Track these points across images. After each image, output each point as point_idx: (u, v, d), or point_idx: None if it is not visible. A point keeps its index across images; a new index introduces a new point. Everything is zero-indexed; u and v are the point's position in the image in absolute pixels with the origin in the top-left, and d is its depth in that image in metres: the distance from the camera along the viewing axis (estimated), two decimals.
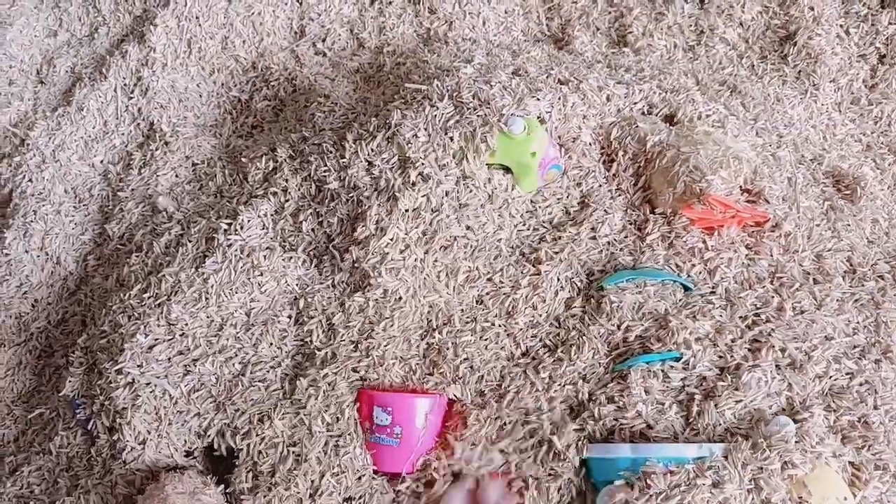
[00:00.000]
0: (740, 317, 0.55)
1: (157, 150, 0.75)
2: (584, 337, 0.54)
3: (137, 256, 0.65)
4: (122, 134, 0.78)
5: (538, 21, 0.82)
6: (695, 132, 0.62)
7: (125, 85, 0.79)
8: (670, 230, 0.58)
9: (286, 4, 0.82)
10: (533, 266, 0.58)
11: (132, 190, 0.73)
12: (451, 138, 0.57)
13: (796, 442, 0.47)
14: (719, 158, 0.57)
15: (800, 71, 0.76)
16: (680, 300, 0.56)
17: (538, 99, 0.59)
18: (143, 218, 0.70)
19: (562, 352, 0.54)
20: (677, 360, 0.53)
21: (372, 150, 0.59)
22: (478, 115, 0.57)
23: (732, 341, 0.54)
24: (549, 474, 0.49)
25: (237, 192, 0.68)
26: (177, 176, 0.73)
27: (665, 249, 0.58)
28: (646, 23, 0.79)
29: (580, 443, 0.50)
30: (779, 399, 0.52)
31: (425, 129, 0.58)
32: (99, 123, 0.78)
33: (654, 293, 0.55)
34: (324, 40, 0.82)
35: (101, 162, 0.77)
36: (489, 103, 0.57)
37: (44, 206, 0.73)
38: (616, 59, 0.75)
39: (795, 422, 0.49)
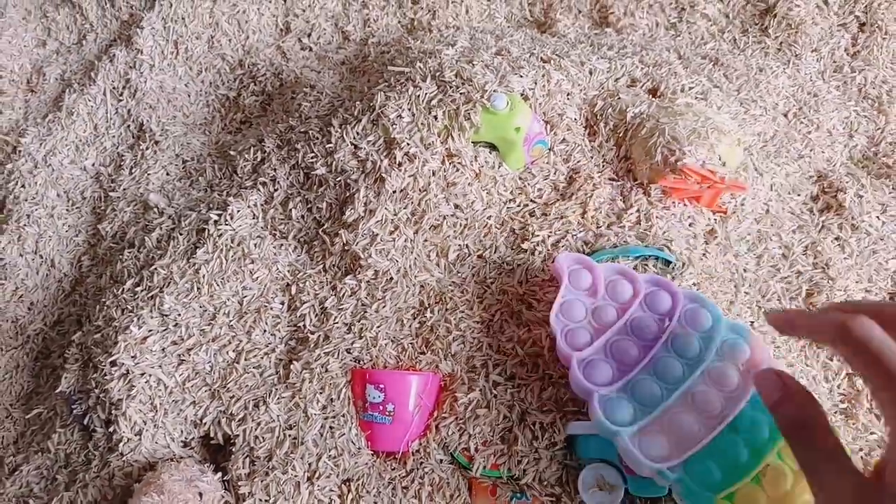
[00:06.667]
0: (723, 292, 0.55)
1: (147, 149, 0.75)
2: None
3: (130, 252, 0.65)
4: (113, 136, 0.78)
5: (521, 7, 0.83)
6: (675, 104, 0.62)
7: (114, 88, 0.80)
8: (649, 202, 0.58)
9: (270, 2, 0.83)
10: (523, 242, 0.58)
11: (124, 190, 0.74)
12: (436, 117, 0.57)
13: None
14: (698, 129, 0.57)
15: (781, 42, 0.77)
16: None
17: (521, 76, 0.59)
18: (135, 216, 0.71)
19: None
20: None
21: (357, 133, 0.59)
22: (461, 93, 0.57)
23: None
24: (535, 458, 0.48)
25: (227, 185, 0.68)
26: (167, 174, 0.74)
27: (645, 222, 0.57)
28: (627, 2, 0.79)
29: (563, 419, 0.49)
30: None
31: (409, 110, 0.58)
32: (89, 127, 0.79)
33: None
34: (309, 35, 0.82)
35: (93, 165, 0.77)
36: (472, 81, 0.57)
37: (37, 210, 0.73)
38: (599, 39, 0.75)
39: None
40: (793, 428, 0.30)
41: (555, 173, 0.61)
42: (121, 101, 0.79)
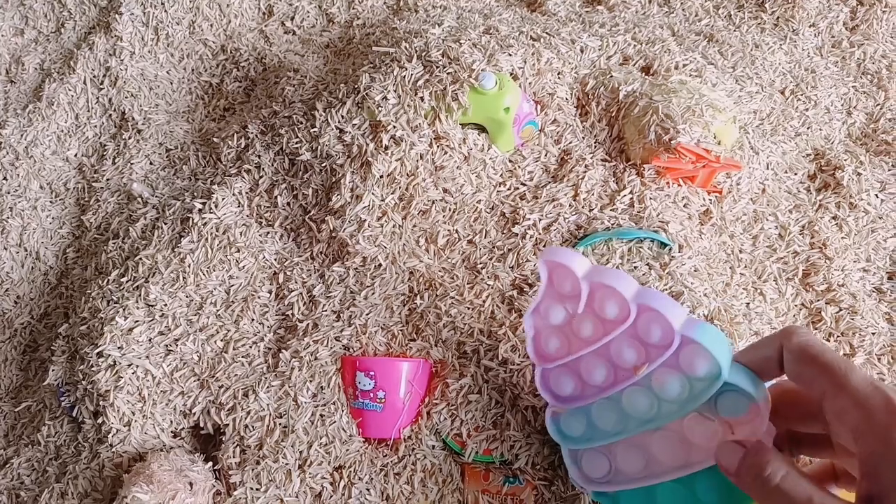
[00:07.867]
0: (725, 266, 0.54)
1: (129, 138, 0.74)
2: None
3: (114, 243, 0.64)
4: (95, 126, 0.77)
5: None
6: (669, 81, 0.60)
7: (94, 77, 0.78)
8: (643, 182, 0.57)
9: None
10: (513, 226, 0.57)
11: (107, 180, 0.72)
12: (422, 98, 0.55)
13: None
14: (692, 107, 0.56)
15: (778, 17, 0.75)
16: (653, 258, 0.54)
17: (510, 55, 0.58)
18: (118, 207, 0.70)
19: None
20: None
21: (342, 116, 0.58)
22: (447, 73, 0.55)
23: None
24: (527, 442, 0.48)
25: (211, 173, 0.67)
26: (151, 163, 0.72)
27: (638, 203, 0.56)
28: None
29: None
30: None
31: (395, 91, 0.56)
32: (70, 117, 0.77)
33: (624, 252, 0.54)
34: (292, 18, 0.80)
35: (75, 155, 0.76)
36: (459, 60, 0.56)
37: (20, 202, 0.72)
38: (590, 17, 0.73)
39: None
40: (755, 487, 0.29)
41: (546, 155, 0.60)
42: (101, 89, 0.77)
